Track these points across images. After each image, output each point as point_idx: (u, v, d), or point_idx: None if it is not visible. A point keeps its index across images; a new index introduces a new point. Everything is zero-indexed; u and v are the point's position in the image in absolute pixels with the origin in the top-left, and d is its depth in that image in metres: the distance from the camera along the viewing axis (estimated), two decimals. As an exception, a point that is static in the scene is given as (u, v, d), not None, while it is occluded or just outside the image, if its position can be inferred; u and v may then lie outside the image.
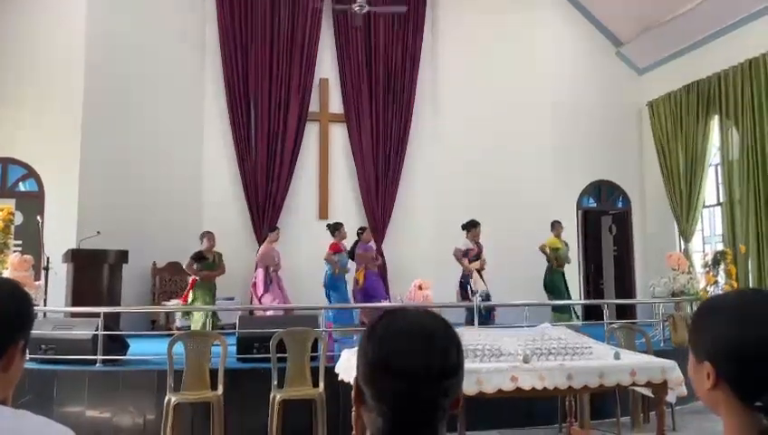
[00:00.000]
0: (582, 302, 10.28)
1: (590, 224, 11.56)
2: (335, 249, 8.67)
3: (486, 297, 8.21)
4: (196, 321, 7.48)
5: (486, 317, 8.03)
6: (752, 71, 8.88)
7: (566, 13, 11.47)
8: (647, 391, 4.01)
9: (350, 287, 8.79)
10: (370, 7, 9.21)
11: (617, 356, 3.97)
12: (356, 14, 9.11)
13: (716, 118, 9.70)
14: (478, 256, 8.60)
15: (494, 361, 3.81)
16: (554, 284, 9.16)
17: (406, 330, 1.00)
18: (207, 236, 7.93)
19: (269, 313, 7.78)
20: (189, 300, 7.70)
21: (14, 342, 1.14)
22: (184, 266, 7.92)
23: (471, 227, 8.66)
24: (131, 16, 9.87)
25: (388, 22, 11.27)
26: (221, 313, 7.84)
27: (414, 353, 0.96)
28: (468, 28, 11.33)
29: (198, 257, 7.77)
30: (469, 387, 3.70)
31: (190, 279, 7.88)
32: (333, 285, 8.61)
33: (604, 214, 11.79)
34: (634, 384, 3.84)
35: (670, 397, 3.85)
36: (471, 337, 4.05)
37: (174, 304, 8.40)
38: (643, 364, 3.90)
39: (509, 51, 11.14)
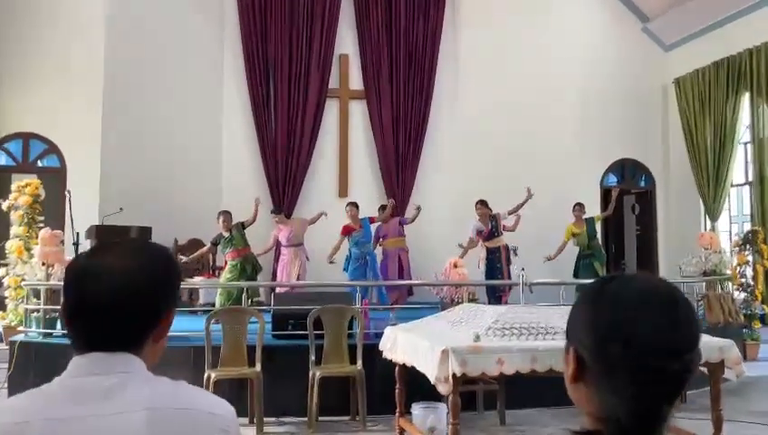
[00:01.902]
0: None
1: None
2: (344, 231, 8.40)
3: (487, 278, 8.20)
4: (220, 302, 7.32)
5: (496, 298, 7.94)
6: (786, 46, 8.69)
7: (591, -13, 11.24)
8: (702, 371, 3.94)
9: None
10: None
11: (672, 335, 3.88)
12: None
13: (747, 95, 9.53)
14: (492, 235, 8.42)
15: (550, 339, 3.73)
16: (577, 269, 9.07)
17: (646, 295, 0.88)
18: (222, 216, 7.80)
19: (279, 289, 7.66)
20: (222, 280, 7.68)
21: (167, 310, 1.06)
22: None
23: (475, 208, 8.47)
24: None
25: (410, -2, 11.06)
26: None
27: (662, 322, 0.85)
28: (490, 3, 11.09)
29: (216, 242, 7.76)
30: (524, 364, 3.64)
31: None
32: (347, 266, 8.46)
33: (627, 193, 11.65)
34: (692, 363, 3.75)
35: (730, 376, 3.78)
36: (524, 315, 3.97)
37: (198, 280, 8.34)
38: (701, 343, 3.81)
39: (532, 26, 10.91)
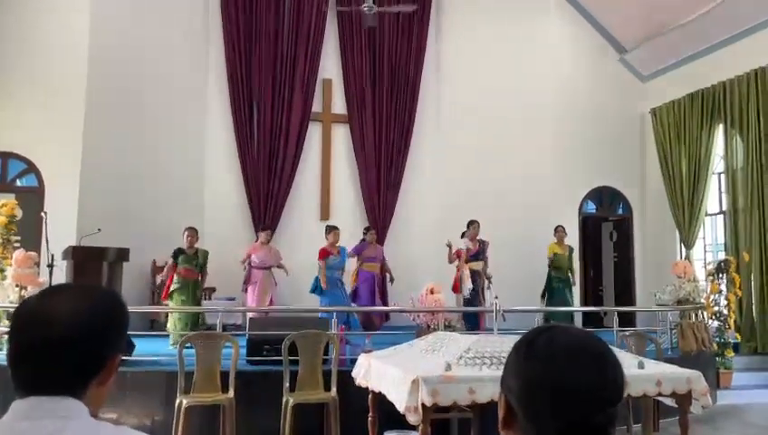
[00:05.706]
0: (590, 308, 10.28)
1: (589, 230, 11.58)
2: (321, 255, 8.22)
3: (471, 297, 8.25)
4: (172, 325, 7.17)
5: (474, 322, 8.01)
6: (758, 80, 8.93)
7: (570, 18, 11.50)
8: (670, 401, 3.98)
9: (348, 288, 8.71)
10: (379, 8, 9.12)
11: (641, 365, 3.93)
12: (366, 14, 9.03)
13: (721, 126, 9.74)
14: (477, 256, 8.60)
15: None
16: (551, 291, 9.16)
17: (575, 348, 0.91)
18: (188, 231, 7.63)
19: (250, 314, 7.49)
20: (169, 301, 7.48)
21: (113, 354, 1.07)
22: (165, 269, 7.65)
23: (467, 227, 8.73)
24: (135, 11, 9.75)
25: (393, 23, 11.21)
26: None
27: (588, 376, 0.88)
28: (473, 32, 11.30)
29: (176, 253, 7.51)
30: (496, 394, 3.64)
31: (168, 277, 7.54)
32: (315, 287, 8.21)
33: (605, 220, 11.80)
34: (659, 394, 3.80)
35: (695, 408, 3.82)
36: (496, 344, 3.99)
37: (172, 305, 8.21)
38: (668, 374, 3.87)
39: (513, 55, 11.13)
